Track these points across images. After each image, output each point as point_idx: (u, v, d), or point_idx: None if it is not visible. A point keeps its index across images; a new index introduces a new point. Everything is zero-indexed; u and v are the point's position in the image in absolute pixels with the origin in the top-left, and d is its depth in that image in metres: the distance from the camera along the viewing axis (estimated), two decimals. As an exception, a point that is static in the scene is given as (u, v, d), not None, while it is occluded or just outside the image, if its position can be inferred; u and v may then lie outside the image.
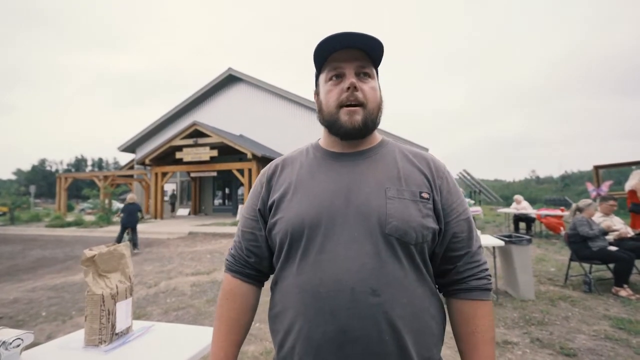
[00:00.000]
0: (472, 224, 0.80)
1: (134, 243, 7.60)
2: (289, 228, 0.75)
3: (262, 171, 0.91)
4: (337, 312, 0.67)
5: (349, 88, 0.75)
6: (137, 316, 3.39)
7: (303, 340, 0.70)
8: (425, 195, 0.75)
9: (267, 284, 0.88)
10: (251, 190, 0.92)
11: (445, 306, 0.81)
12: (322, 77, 0.82)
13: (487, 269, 0.80)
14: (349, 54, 0.77)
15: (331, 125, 0.80)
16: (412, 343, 0.68)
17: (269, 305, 0.82)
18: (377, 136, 0.87)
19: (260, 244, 0.85)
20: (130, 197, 7.98)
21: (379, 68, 0.84)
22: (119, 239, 7.67)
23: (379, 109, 0.81)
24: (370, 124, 0.79)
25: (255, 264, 0.86)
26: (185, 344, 1.19)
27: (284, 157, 0.91)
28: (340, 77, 0.78)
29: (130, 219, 7.60)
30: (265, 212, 0.84)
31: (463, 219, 0.78)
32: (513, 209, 9.43)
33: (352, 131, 0.78)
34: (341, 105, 0.77)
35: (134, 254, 7.31)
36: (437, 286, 0.81)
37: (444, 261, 0.79)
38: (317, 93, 0.86)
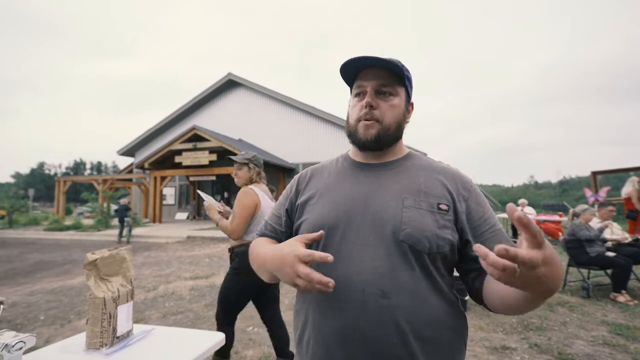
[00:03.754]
0: (505, 234, 0.80)
1: (129, 230, 10.73)
2: (310, 229, 0.81)
3: (295, 176, 0.99)
4: (347, 309, 0.71)
5: (365, 106, 0.82)
6: (135, 320, 3.36)
7: (315, 334, 0.75)
8: (443, 207, 0.77)
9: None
10: (283, 192, 1.00)
11: (465, 318, 0.79)
12: (352, 92, 0.89)
13: None
14: (373, 73, 0.82)
15: (351, 135, 0.88)
16: (422, 351, 0.69)
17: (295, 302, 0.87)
18: (404, 149, 0.91)
19: (279, 238, 0.94)
20: (122, 200, 11.27)
21: (414, 87, 0.90)
22: (122, 229, 10.78)
23: (398, 125, 0.85)
24: (385, 139, 0.83)
25: None
26: (185, 348, 1.20)
27: (317, 165, 0.99)
28: (363, 94, 0.84)
29: (122, 215, 10.55)
30: (292, 212, 0.94)
31: (498, 229, 0.79)
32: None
33: (366, 143, 0.84)
34: (360, 120, 0.84)
35: (124, 241, 10.50)
36: (472, 288, 0.78)
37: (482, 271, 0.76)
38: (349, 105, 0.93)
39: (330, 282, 0.62)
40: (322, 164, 0.98)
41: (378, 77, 0.82)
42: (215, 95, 17.70)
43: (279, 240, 0.92)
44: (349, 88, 0.92)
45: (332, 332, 0.72)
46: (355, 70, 0.84)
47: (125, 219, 10.46)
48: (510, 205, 0.50)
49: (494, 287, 0.69)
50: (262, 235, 0.97)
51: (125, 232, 10.61)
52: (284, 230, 0.94)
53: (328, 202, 0.83)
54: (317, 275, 0.63)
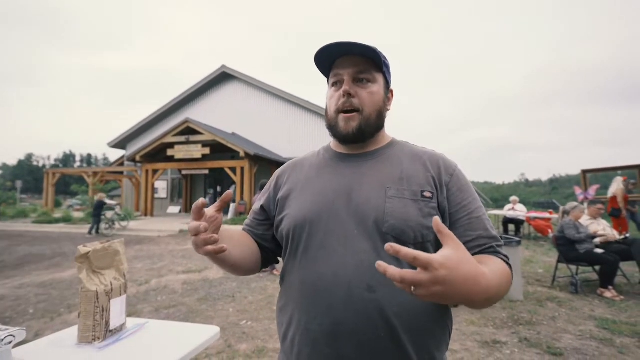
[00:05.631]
0: (486, 223, 0.76)
1: (94, 227, 10.60)
2: (293, 224, 0.79)
3: (276, 171, 0.96)
4: (333, 305, 0.69)
5: (344, 95, 0.79)
6: (127, 314, 3.32)
7: (302, 332, 0.72)
8: (427, 194, 0.75)
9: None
10: (264, 188, 0.98)
11: (449, 308, 0.78)
12: (329, 82, 0.86)
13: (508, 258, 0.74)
14: (349, 61, 0.79)
15: (331, 128, 0.84)
16: (410, 342, 0.68)
17: (277, 298, 0.85)
18: (387, 137, 0.89)
19: (257, 232, 0.92)
20: (99, 196, 11.15)
21: (392, 72, 0.87)
22: (93, 225, 10.63)
23: (378, 112, 0.82)
24: (367, 129, 0.80)
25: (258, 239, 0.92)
26: (179, 341, 1.19)
27: (298, 158, 0.96)
28: (340, 83, 0.81)
29: (96, 212, 10.61)
30: (269, 208, 0.90)
31: (476, 217, 0.75)
32: (507, 210, 9.53)
33: (347, 137, 0.81)
34: (339, 111, 0.80)
35: (104, 234, 10.47)
36: None
37: None
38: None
39: (223, 247, 0.64)
40: (303, 156, 0.95)
41: (355, 64, 0.78)
42: (209, 88, 17.49)
43: (253, 235, 0.91)
44: (326, 79, 0.88)
45: (318, 329, 0.70)
46: (330, 60, 0.81)
47: (102, 214, 10.59)
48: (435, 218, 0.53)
49: None
50: (243, 229, 0.96)
51: (103, 227, 10.67)
52: (257, 226, 0.92)
53: (309, 195, 0.81)
54: (195, 224, 0.62)
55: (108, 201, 11.61)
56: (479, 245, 0.74)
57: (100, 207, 10.64)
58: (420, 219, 0.72)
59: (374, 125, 0.81)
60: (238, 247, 0.80)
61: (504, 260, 0.73)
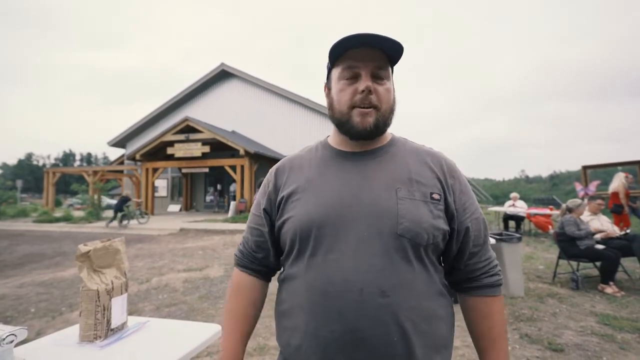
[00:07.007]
0: (483, 223, 0.81)
1: (124, 219, 11.43)
2: (298, 227, 0.75)
3: (270, 169, 0.90)
4: (345, 311, 0.67)
5: (363, 91, 0.73)
6: (129, 312, 3.31)
7: (310, 339, 0.70)
8: (436, 196, 0.75)
9: (275, 279, 0.91)
10: (260, 188, 0.93)
11: (452, 306, 0.79)
12: (336, 73, 0.79)
13: (497, 265, 0.81)
14: (367, 54, 0.74)
15: (342, 124, 0.79)
16: (419, 345, 0.68)
17: (275, 300, 0.83)
18: (387, 134, 0.85)
19: (266, 239, 0.86)
20: (126, 192, 12.11)
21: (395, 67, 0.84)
22: (114, 217, 11.46)
23: (391, 110, 0.79)
24: (381, 126, 0.77)
25: (263, 259, 0.89)
26: (181, 339, 1.18)
27: (293, 155, 0.90)
28: (355, 77, 0.75)
29: (119, 206, 11.44)
30: (271, 210, 0.85)
31: (475, 218, 0.79)
32: (508, 206, 9.53)
33: (364, 132, 0.76)
34: (354, 106, 0.76)
35: (122, 226, 11.15)
36: (447, 283, 0.80)
37: (455, 259, 0.79)
38: (328, 88, 0.83)
39: None
40: (298, 153, 0.90)
41: (374, 59, 0.74)
42: (209, 86, 17.45)
43: (261, 260, 0.89)
44: (326, 69, 0.84)
45: (330, 336, 0.67)
46: (343, 49, 0.74)
47: (126, 207, 11.31)
48: None
49: (469, 319, 0.81)
50: (241, 265, 0.90)
51: (125, 222, 11.28)
52: (267, 238, 0.86)
53: (314, 196, 0.76)
54: None
55: (133, 199, 12.57)
56: (476, 252, 0.79)
57: (125, 202, 11.37)
58: (431, 220, 0.72)
59: (388, 123, 0.79)
60: (248, 326, 0.88)
61: (497, 284, 0.79)
